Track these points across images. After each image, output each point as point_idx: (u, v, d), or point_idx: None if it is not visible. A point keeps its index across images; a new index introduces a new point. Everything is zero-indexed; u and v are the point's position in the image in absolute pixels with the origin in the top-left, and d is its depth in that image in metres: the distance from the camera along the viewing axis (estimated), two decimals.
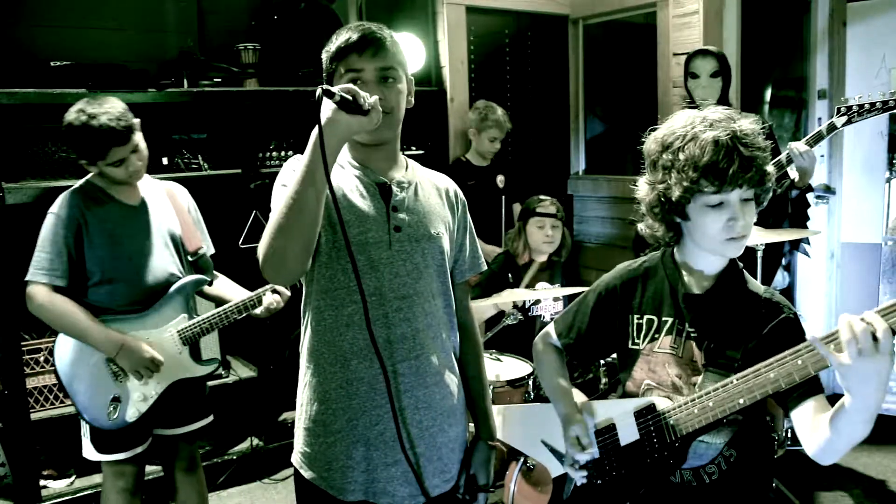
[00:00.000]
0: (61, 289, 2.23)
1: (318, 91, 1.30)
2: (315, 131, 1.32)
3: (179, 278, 2.41)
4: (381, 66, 1.48)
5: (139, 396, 2.32)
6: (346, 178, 1.55)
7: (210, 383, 2.63)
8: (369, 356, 1.49)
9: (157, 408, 2.35)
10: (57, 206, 2.27)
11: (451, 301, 1.65)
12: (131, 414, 2.30)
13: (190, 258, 2.51)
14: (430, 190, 1.63)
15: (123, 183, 2.32)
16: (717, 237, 1.46)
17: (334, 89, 1.31)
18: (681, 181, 1.44)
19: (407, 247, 1.53)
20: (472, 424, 1.75)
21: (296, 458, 1.62)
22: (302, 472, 1.59)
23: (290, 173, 1.41)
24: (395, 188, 1.55)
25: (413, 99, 1.60)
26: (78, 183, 2.36)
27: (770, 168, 1.47)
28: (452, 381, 1.63)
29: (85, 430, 2.34)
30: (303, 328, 1.59)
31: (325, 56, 1.52)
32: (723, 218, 1.44)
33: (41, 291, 2.22)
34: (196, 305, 2.50)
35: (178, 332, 2.38)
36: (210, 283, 2.53)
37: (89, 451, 2.35)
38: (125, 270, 2.30)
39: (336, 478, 1.53)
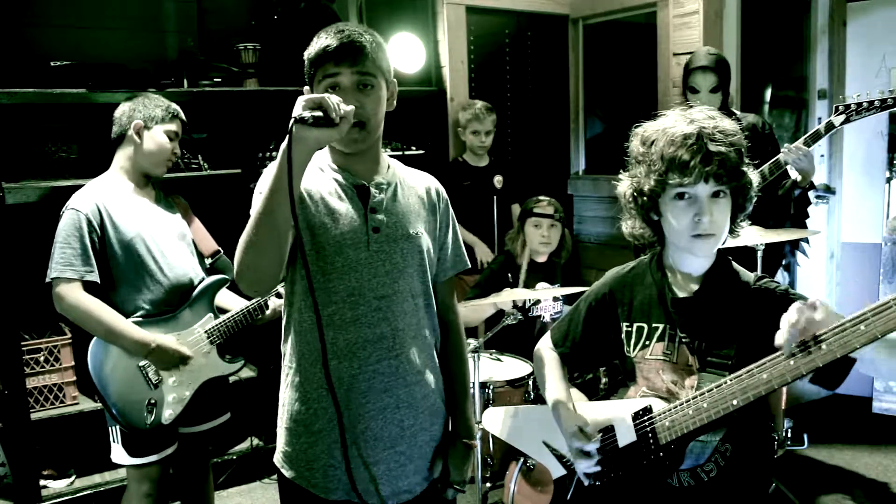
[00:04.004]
0: (90, 287, 2.17)
1: (291, 123, 1.31)
2: (283, 147, 1.32)
3: (202, 279, 2.41)
4: (358, 73, 1.48)
5: (174, 398, 2.30)
6: (325, 180, 1.55)
7: None
8: (349, 356, 1.50)
9: (186, 407, 2.33)
10: (76, 202, 2.20)
11: (432, 300, 1.65)
12: (168, 415, 2.29)
13: (209, 261, 2.50)
14: (410, 190, 1.64)
15: (149, 174, 2.35)
16: (683, 233, 1.47)
17: (305, 114, 1.31)
18: (650, 174, 1.47)
19: (385, 247, 1.54)
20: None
21: (277, 457, 1.62)
22: (284, 471, 1.59)
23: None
24: (373, 190, 1.56)
25: (395, 102, 1.60)
26: (96, 179, 2.33)
27: (746, 169, 1.47)
28: (434, 379, 1.64)
29: (115, 435, 2.30)
30: (284, 328, 1.60)
31: (305, 59, 1.52)
32: (689, 213, 1.45)
33: (71, 289, 2.13)
34: None
35: (205, 332, 2.38)
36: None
37: (120, 456, 2.30)
38: (150, 271, 2.27)
39: (318, 477, 1.54)
